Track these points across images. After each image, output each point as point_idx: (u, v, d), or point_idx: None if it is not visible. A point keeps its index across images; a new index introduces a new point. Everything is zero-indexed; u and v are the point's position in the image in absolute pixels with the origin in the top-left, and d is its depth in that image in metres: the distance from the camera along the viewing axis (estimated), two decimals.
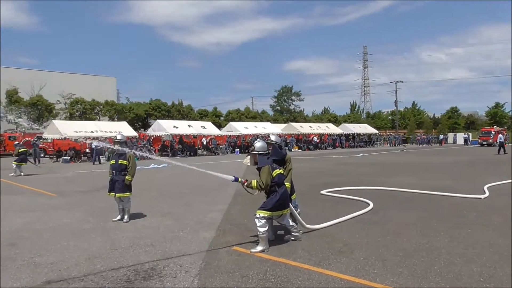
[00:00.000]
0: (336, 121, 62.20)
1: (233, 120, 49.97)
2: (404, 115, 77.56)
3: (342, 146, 46.05)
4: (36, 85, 45.80)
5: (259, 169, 5.72)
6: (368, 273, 4.55)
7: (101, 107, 46.45)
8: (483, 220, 7.29)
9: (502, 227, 6.72)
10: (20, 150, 17.05)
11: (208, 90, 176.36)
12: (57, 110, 43.39)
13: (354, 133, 49.48)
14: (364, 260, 5.01)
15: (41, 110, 41.46)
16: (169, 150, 31.44)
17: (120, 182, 7.59)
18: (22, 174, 16.64)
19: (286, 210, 5.77)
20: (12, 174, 16.51)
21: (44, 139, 30.60)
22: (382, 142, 55.11)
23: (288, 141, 40.40)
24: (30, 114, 40.88)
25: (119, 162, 7.63)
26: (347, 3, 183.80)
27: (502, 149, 29.84)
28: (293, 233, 5.96)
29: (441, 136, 59.21)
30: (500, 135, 33.96)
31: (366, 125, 56.30)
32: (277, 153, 6.26)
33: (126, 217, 7.53)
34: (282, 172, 5.91)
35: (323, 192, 10.65)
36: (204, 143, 35.28)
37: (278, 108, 74.12)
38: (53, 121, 32.99)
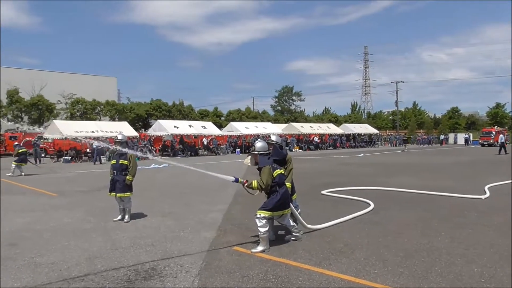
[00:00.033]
0: (337, 121, 62.21)
1: (233, 120, 49.97)
2: (405, 115, 77.55)
3: (342, 146, 46.05)
4: (37, 85, 45.86)
5: (259, 169, 5.72)
6: (369, 273, 4.55)
7: (102, 107, 46.48)
8: (484, 220, 7.29)
9: (503, 227, 6.71)
10: (19, 151, 17.04)
11: (209, 90, 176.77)
12: (58, 110, 43.43)
13: (355, 133, 49.48)
14: (364, 261, 5.01)
15: (42, 110, 41.50)
16: (170, 150, 31.45)
17: (121, 182, 7.59)
18: (23, 174, 16.64)
19: (286, 210, 5.77)
20: (9, 174, 16.40)
21: (45, 139, 30.62)
22: (383, 142, 55.09)
23: (288, 141, 40.40)
24: (30, 114, 40.96)
25: (120, 162, 7.64)
26: (347, 3, 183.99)
27: (503, 150, 29.81)
28: (293, 233, 5.96)
29: (442, 136, 59.28)
30: (501, 135, 33.94)
31: (367, 125, 56.31)
32: (277, 153, 6.26)
33: (126, 217, 7.53)
34: (283, 172, 5.91)
35: (323, 192, 10.65)
36: (205, 143, 35.30)
37: (279, 108, 74.17)
38: (54, 121, 33.04)
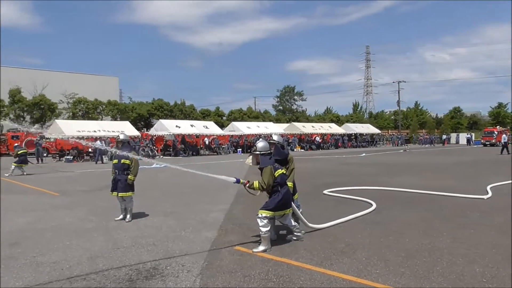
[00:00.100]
0: (339, 121, 62.18)
1: (235, 120, 50.01)
2: (406, 115, 77.40)
3: (344, 146, 46.01)
4: (39, 84, 45.94)
5: (261, 169, 5.71)
6: (370, 273, 4.55)
7: (104, 106, 46.56)
8: (485, 220, 7.27)
9: (505, 227, 6.69)
10: (19, 152, 17.02)
11: (210, 90, 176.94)
12: (59, 110, 43.53)
13: (357, 133, 49.44)
14: (366, 260, 5.00)
15: (44, 110, 41.59)
16: (171, 149, 31.48)
17: (122, 182, 7.60)
18: (25, 173, 16.67)
19: (288, 210, 5.77)
20: (7, 175, 16.29)
21: (47, 138, 30.68)
22: (385, 142, 55.06)
23: (290, 141, 40.39)
24: (33, 114, 41.05)
25: (121, 162, 7.64)
26: (349, 3, 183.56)
27: (505, 150, 29.73)
28: (295, 233, 5.96)
29: (444, 136, 59.11)
30: (503, 135, 33.84)
31: (368, 125, 56.28)
32: (279, 153, 6.26)
33: (128, 216, 7.54)
34: (285, 172, 5.91)
35: (325, 192, 10.64)
36: (207, 142, 35.32)
37: (281, 108, 74.19)
38: (56, 120, 33.11)
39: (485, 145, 46.86)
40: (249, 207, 8.22)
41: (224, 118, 57.34)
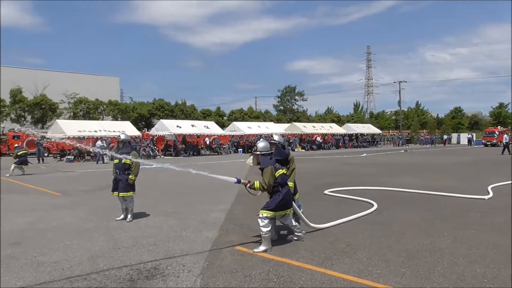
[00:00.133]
0: (340, 121, 62.15)
1: (236, 120, 50.01)
2: (407, 115, 77.35)
3: (345, 146, 45.96)
4: (40, 84, 46.00)
5: (262, 169, 5.71)
6: (371, 274, 4.54)
7: (105, 106, 46.60)
8: (486, 220, 7.26)
9: (506, 227, 6.68)
10: (19, 153, 17.03)
11: (211, 90, 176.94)
12: (60, 110, 43.57)
13: (358, 133, 49.38)
14: (367, 261, 5.00)
15: (45, 110, 41.63)
16: (172, 149, 31.50)
17: (123, 182, 7.60)
18: (25, 173, 16.68)
19: (289, 210, 5.77)
20: (8, 175, 16.29)
21: (48, 138, 30.68)
22: (386, 142, 54.98)
23: (291, 141, 40.36)
24: (34, 114, 41.09)
25: (122, 162, 7.65)
26: (350, 3, 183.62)
27: (506, 150, 29.68)
28: (296, 233, 5.96)
29: (445, 136, 59.03)
30: (505, 135, 33.78)
31: (369, 125, 56.20)
32: (280, 153, 6.26)
33: (129, 216, 7.55)
34: (285, 172, 5.91)
35: (326, 192, 10.64)
36: (207, 142, 35.33)
37: (281, 108, 74.19)
38: (57, 120, 33.12)
39: (486, 145, 46.80)
40: (249, 207, 8.22)
41: (225, 118, 57.36)
